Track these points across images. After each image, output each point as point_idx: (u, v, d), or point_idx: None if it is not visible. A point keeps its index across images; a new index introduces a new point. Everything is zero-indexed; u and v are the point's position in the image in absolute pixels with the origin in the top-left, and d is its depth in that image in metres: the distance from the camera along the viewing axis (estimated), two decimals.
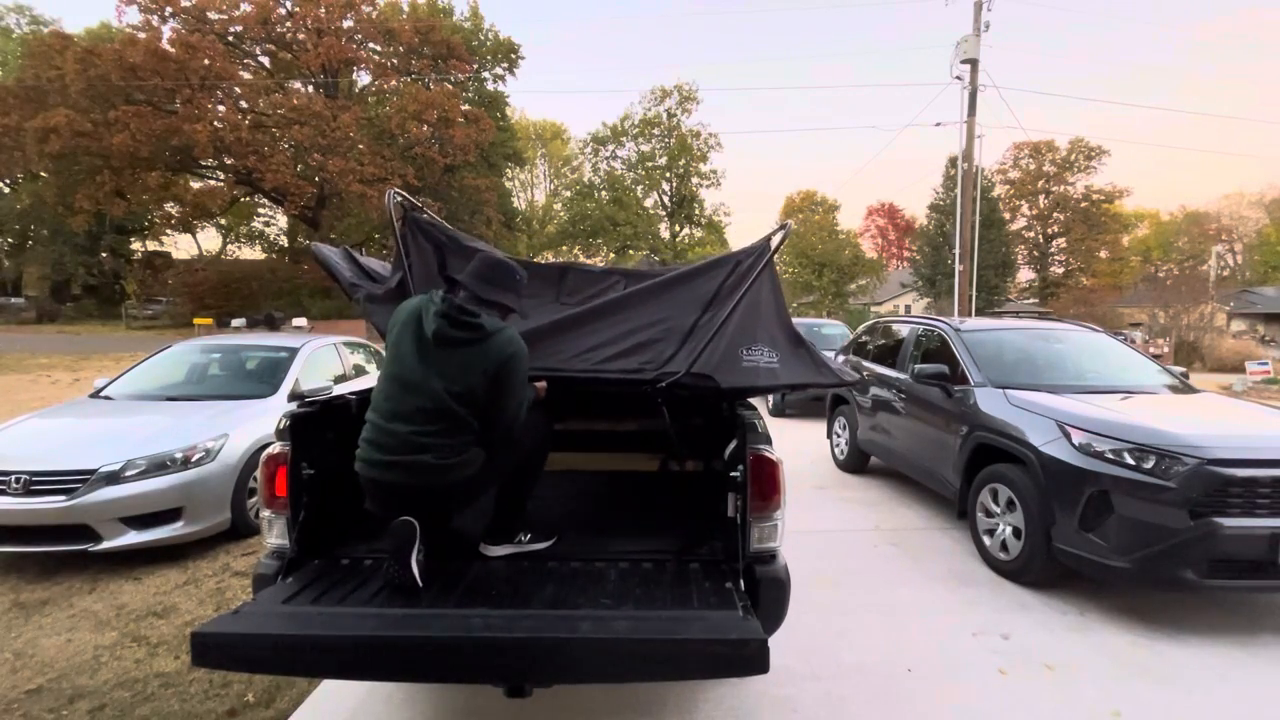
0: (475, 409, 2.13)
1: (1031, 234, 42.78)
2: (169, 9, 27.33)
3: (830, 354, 7.91)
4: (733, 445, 2.38)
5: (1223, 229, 51.50)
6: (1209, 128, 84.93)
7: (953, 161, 32.01)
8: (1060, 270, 42.45)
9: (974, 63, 16.90)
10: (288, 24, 30.27)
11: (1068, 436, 3.56)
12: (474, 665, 1.78)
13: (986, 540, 4.06)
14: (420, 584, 2.06)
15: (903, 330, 6.08)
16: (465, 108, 33.54)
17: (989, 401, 4.27)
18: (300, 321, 26.30)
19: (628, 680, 2.24)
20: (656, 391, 2.36)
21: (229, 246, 43.52)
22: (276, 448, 2.28)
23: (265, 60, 32.02)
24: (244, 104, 29.71)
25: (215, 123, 27.23)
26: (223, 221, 39.44)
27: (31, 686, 2.68)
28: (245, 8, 28.86)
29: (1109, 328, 10.25)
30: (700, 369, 2.32)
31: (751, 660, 1.71)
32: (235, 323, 26.88)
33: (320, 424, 2.48)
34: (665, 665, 1.80)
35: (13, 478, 3.66)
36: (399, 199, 2.71)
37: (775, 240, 2.67)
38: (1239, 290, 36.79)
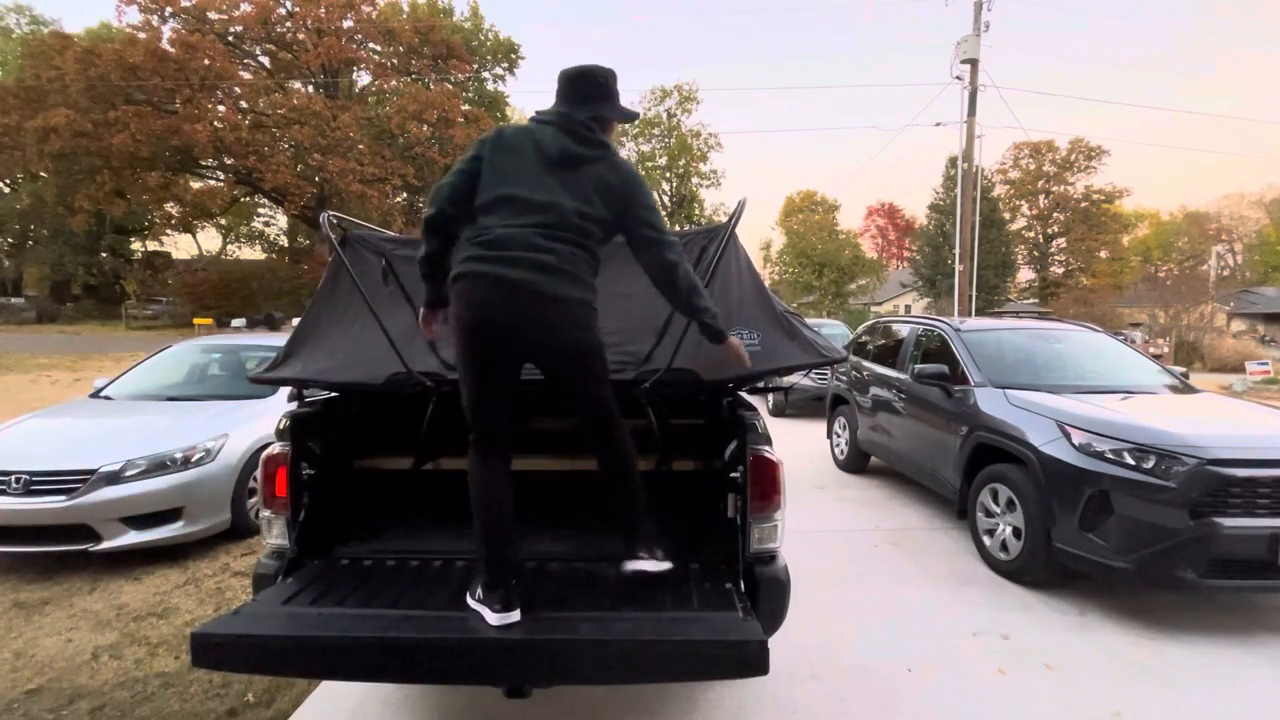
0: (601, 233, 1.99)
1: (1031, 234, 42.76)
2: (169, 9, 27.33)
3: None
4: (733, 446, 2.37)
5: (1223, 229, 51.47)
6: (1209, 128, 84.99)
7: (953, 161, 32.02)
8: (1060, 270, 42.44)
9: (974, 63, 16.91)
10: (288, 24, 30.25)
11: (1068, 436, 3.56)
12: (473, 666, 1.78)
13: (986, 540, 4.06)
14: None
15: (903, 330, 6.08)
16: (465, 108, 33.51)
17: (989, 401, 4.27)
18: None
19: (627, 682, 2.24)
20: (641, 392, 2.33)
21: (229, 246, 43.58)
22: (276, 448, 2.28)
23: (265, 60, 32.01)
24: (244, 104, 29.69)
25: (215, 123, 27.22)
26: (223, 221, 39.43)
27: (31, 686, 2.68)
28: (245, 8, 28.85)
29: (1109, 328, 10.25)
30: (681, 363, 2.29)
31: (751, 662, 1.70)
32: (235, 323, 26.89)
33: (320, 424, 2.48)
34: (665, 666, 1.80)
35: (13, 478, 3.66)
36: (334, 221, 2.58)
37: (735, 216, 2.53)
38: (1239, 290, 36.77)
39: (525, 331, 1.87)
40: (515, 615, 1.85)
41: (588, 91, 2.04)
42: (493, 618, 1.83)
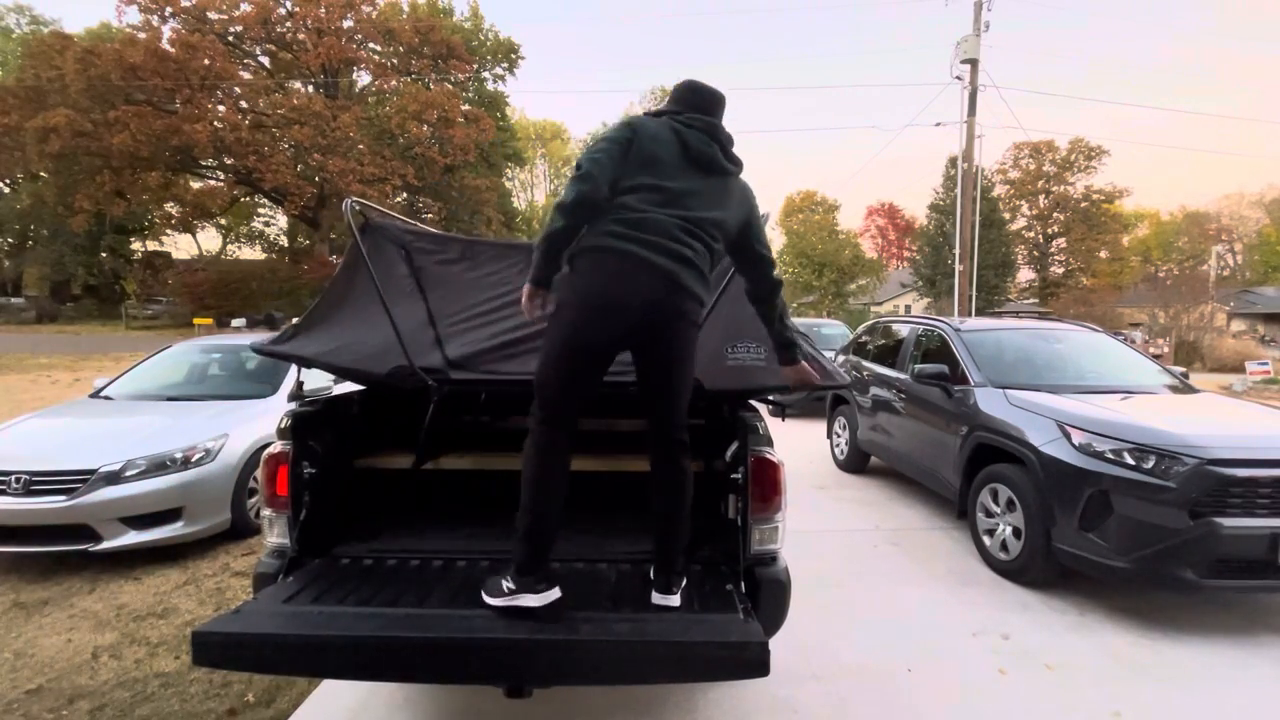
0: (722, 243, 2.01)
1: (1031, 234, 42.74)
2: (169, 9, 27.34)
3: (830, 354, 7.94)
4: (734, 447, 2.37)
5: (1223, 229, 51.51)
6: (1209, 128, 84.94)
7: (953, 161, 32.01)
8: (1060, 270, 42.41)
9: (974, 63, 16.91)
10: (288, 24, 30.26)
11: (1068, 436, 3.56)
12: (474, 666, 1.77)
13: (986, 540, 4.06)
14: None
15: (903, 330, 6.08)
16: (465, 108, 33.52)
17: (989, 401, 4.27)
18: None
19: (627, 682, 2.24)
20: None
21: (229, 246, 43.54)
22: (278, 446, 2.28)
23: (265, 60, 32.01)
24: (244, 104, 29.69)
25: (215, 123, 27.23)
26: (223, 221, 39.41)
27: (31, 686, 2.68)
28: (245, 8, 28.86)
29: (1109, 328, 10.25)
30: None
31: (752, 663, 1.70)
32: (235, 323, 26.87)
33: (321, 423, 2.48)
34: (665, 667, 1.80)
35: (13, 478, 3.66)
36: (358, 208, 2.54)
37: None
38: (1239, 290, 36.80)
39: (646, 317, 1.85)
40: (556, 592, 1.86)
41: (720, 115, 2.11)
42: (534, 599, 1.83)
